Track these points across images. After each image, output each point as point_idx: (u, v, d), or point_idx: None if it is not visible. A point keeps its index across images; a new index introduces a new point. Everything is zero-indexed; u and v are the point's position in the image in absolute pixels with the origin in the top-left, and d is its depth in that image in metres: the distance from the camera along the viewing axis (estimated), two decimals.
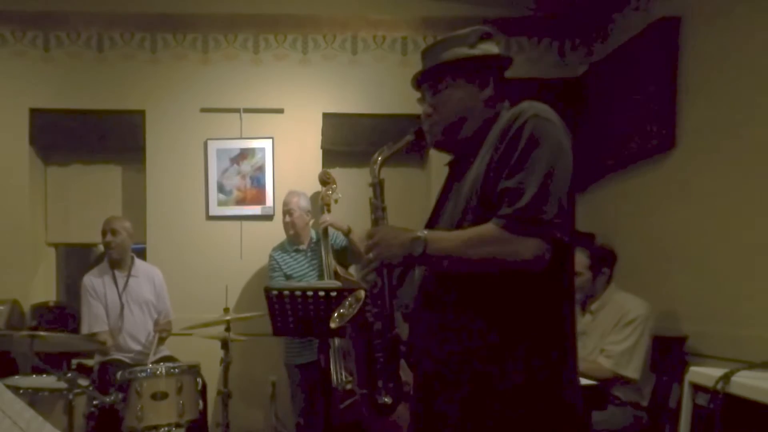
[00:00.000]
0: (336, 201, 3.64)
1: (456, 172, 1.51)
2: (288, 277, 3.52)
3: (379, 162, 1.55)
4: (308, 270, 3.53)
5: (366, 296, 1.51)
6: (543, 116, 1.30)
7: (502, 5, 3.98)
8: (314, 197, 3.86)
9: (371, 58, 4.07)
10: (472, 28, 1.47)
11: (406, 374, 1.52)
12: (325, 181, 3.68)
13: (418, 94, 1.57)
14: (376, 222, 1.51)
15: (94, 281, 3.45)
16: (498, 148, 1.32)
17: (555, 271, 1.30)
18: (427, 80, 1.49)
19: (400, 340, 1.49)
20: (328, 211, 3.57)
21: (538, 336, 1.32)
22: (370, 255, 1.42)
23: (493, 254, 1.26)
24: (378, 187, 1.55)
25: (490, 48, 1.46)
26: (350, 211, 3.81)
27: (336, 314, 1.58)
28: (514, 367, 1.30)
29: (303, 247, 3.58)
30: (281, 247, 3.65)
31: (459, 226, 1.37)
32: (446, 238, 1.33)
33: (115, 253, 3.47)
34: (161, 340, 3.49)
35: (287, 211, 3.55)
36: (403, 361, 1.51)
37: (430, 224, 1.52)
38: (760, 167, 2.56)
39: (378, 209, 1.52)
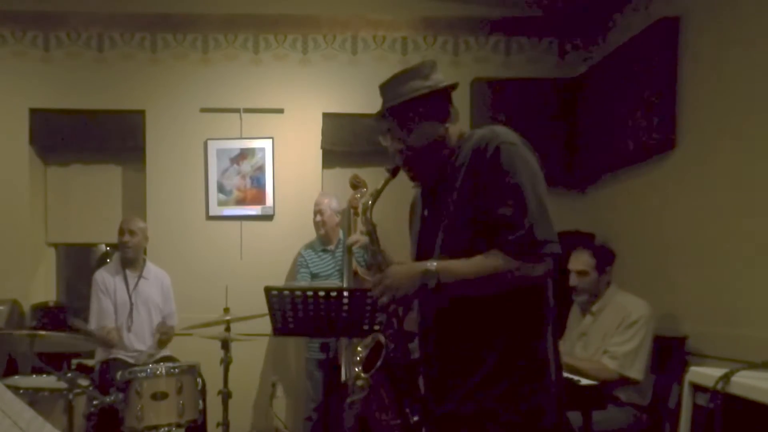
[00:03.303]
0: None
1: (430, 201, 1.58)
2: (314, 276, 3.61)
3: (368, 208, 1.60)
4: (334, 270, 3.60)
5: (385, 341, 1.55)
6: (509, 141, 1.40)
7: (502, 5, 3.98)
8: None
9: (371, 58, 4.07)
10: (421, 62, 1.54)
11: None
12: (355, 185, 3.67)
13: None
14: (378, 268, 1.56)
15: (106, 278, 3.48)
16: (472, 175, 1.41)
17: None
18: (395, 115, 1.52)
19: (417, 363, 1.55)
20: (356, 214, 3.56)
21: (519, 337, 1.44)
22: (385, 299, 1.46)
23: (506, 279, 1.37)
24: (373, 234, 1.60)
25: (439, 77, 1.52)
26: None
27: (358, 358, 1.61)
28: (495, 367, 1.42)
29: (331, 247, 3.66)
30: (311, 246, 3.73)
31: (446, 250, 1.45)
32: (458, 268, 1.40)
33: (131, 253, 3.50)
34: (161, 343, 3.50)
35: (318, 211, 3.63)
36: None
37: (418, 254, 1.59)
38: (760, 167, 2.56)
39: (377, 254, 1.58)
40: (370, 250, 1.59)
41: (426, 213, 1.60)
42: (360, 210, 1.61)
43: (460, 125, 1.57)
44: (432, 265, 1.41)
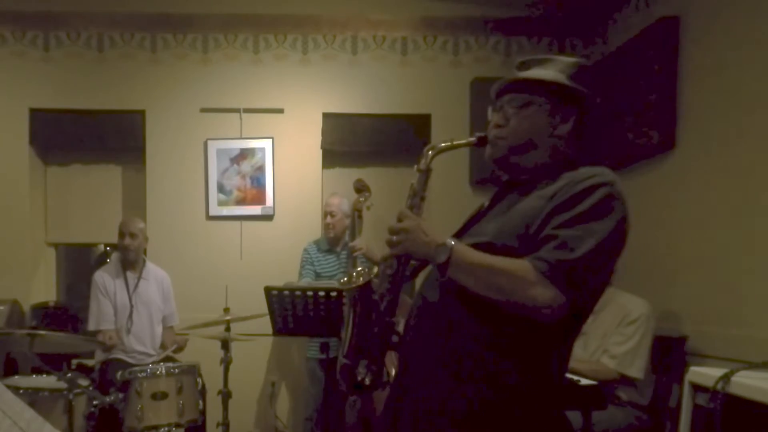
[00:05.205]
0: (368, 208, 3.65)
1: (497, 199, 1.49)
2: (317, 275, 3.60)
3: (436, 150, 1.49)
4: (337, 271, 3.60)
5: (379, 272, 1.48)
6: (619, 190, 1.32)
7: (502, 5, 3.97)
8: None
9: (371, 58, 4.06)
10: (577, 60, 1.45)
11: (390, 364, 1.52)
12: (359, 189, 3.68)
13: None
14: (411, 209, 1.47)
15: (106, 279, 3.47)
16: (561, 193, 1.30)
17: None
18: (515, 90, 1.45)
19: (395, 328, 1.48)
20: (360, 217, 3.56)
21: (533, 354, 1.31)
22: (395, 238, 1.39)
23: (512, 289, 1.25)
24: (426, 175, 1.50)
25: (579, 87, 1.45)
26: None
27: (347, 276, 1.55)
28: (502, 377, 1.29)
29: (337, 249, 3.67)
30: (317, 244, 3.73)
31: (486, 243, 1.34)
32: (473, 256, 1.30)
33: (132, 255, 3.49)
34: (164, 347, 3.52)
35: (329, 212, 3.62)
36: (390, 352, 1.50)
37: (464, 229, 1.49)
38: (760, 167, 2.56)
39: (416, 196, 1.48)
40: (413, 190, 1.48)
41: (493, 203, 1.50)
42: (431, 146, 1.52)
43: (566, 151, 1.45)
44: (450, 242, 1.31)
